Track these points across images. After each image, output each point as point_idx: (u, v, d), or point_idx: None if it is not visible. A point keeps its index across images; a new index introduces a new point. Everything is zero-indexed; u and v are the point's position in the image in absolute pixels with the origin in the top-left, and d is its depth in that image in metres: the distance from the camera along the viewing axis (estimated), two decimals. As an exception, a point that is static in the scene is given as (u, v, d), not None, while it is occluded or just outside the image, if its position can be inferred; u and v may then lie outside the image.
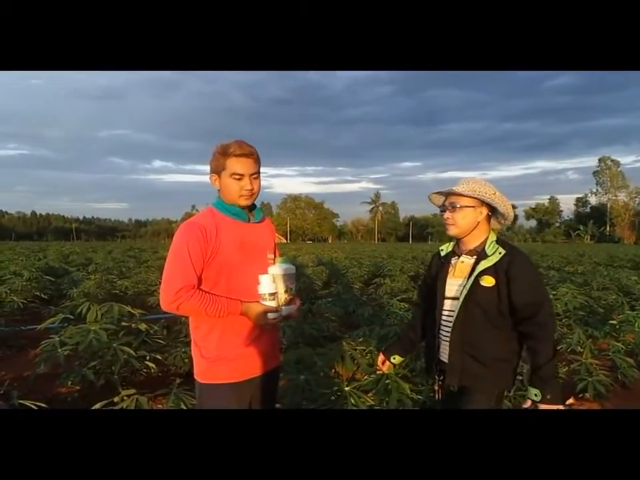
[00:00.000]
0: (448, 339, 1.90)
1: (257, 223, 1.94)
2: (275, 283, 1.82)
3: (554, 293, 6.48)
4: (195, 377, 1.85)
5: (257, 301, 1.80)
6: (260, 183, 1.87)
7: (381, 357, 2.27)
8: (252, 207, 1.93)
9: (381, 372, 2.34)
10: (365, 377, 2.92)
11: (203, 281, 1.76)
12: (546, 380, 1.76)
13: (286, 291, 1.83)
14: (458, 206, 1.90)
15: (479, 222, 1.91)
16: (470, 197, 1.88)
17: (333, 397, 2.64)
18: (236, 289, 1.80)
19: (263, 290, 1.80)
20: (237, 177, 1.79)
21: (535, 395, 1.76)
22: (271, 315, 1.79)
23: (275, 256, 1.98)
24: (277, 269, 1.83)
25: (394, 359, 2.23)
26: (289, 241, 77.78)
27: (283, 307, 1.83)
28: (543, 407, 1.75)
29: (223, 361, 1.79)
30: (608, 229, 77.58)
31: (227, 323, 1.78)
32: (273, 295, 1.80)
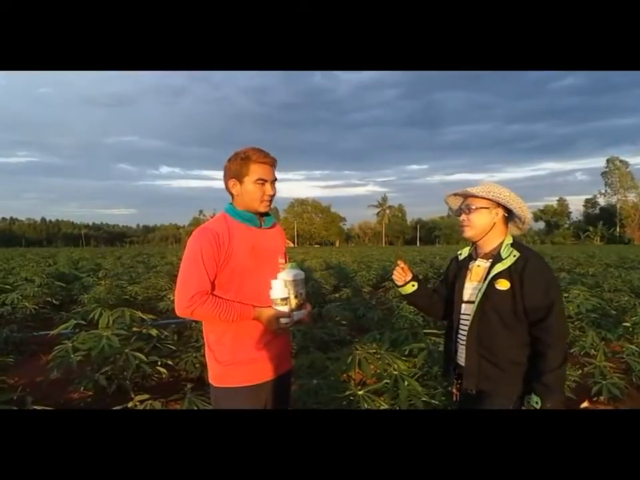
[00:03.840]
0: (465, 342, 1.89)
1: (268, 228, 1.95)
2: (286, 287, 1.82)
3: (566, 295, 6.41)
4: (210, 381, 1.86)
5: (269, 306, 1.81)
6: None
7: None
8: (263, 213, 1.94)
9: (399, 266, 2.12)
10: (375, 381, 2.91)
11: (216, 286, 1.78)
12: (549, 388, 1.69)
13: (296, 297, 1.83)
14: (473, 207, 1.90)
15: (494, 223, 1.90)
16: (484, 198, 1.88)
17: (344, 402, 2.63)
18: (248, 293, 1.81)
19: (274, 295, 1.81)
20: (261, 182, 1.83)
21: (536, 403, 1.70)
22: (283, 320, 1.80)
23: (286, 261, 1.99)
24: (286, 275, 1.84)
25: (413, 285, 2.09)
26: (296, 245, 77.79)
27: (295, 312, 1.83)
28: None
29: (237, 364, 1.80)
30: (618, 229, 76.83)
31: (239, 327, 1.79)
32: (285, 300, 1.81)
